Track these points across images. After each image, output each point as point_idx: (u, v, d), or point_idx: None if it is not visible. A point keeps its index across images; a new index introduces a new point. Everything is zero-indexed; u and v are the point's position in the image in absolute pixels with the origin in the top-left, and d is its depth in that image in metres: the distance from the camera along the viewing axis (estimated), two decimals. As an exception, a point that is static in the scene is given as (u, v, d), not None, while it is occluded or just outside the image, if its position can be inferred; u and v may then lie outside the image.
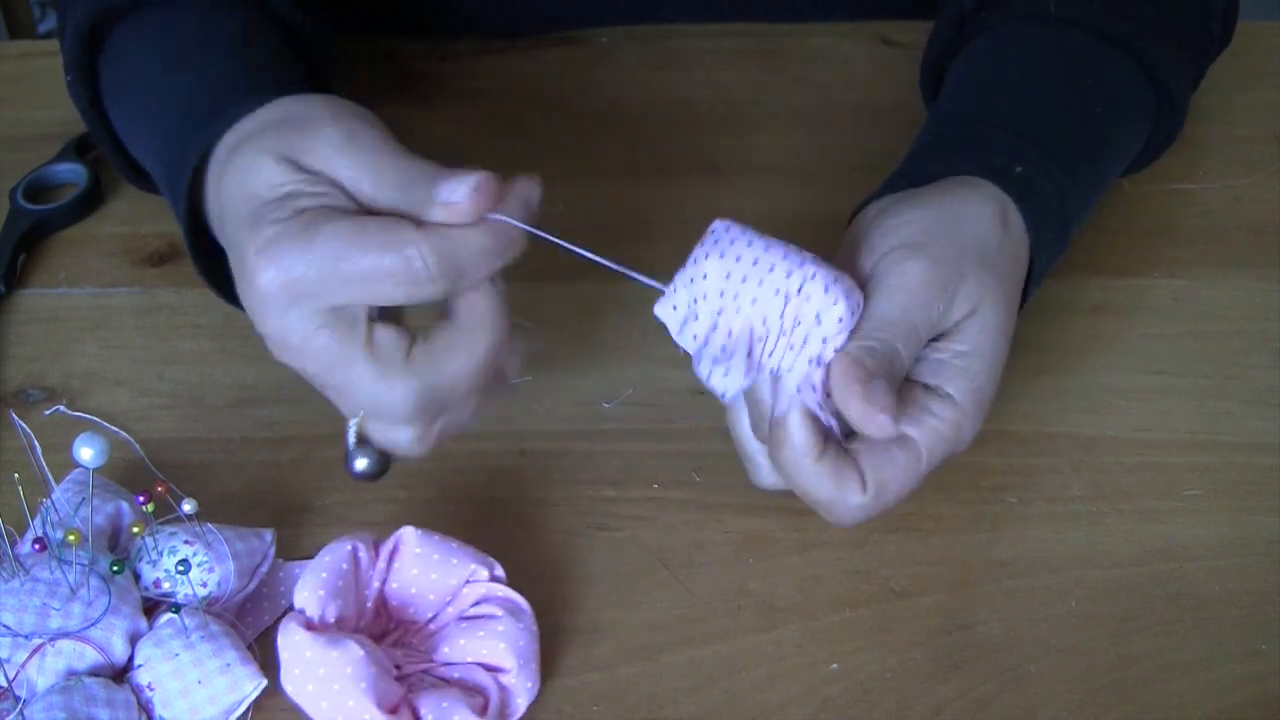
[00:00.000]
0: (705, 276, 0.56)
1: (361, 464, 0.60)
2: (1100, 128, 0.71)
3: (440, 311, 0.58)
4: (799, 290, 0.55)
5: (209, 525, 0.60)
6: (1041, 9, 0.73)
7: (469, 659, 0.57)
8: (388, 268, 0.55)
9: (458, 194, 0.56)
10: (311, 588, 0.57)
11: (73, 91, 0.73)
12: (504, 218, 0.56)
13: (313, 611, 0.57)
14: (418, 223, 0.56)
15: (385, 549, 0.60)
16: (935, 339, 0.59)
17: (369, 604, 0.59)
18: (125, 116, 0.72)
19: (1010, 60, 0.73)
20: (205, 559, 0.59)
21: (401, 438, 0.59)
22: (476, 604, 0.59)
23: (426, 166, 0.57)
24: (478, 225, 0.56)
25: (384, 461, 0.60)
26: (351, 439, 0.59)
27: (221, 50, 0.68)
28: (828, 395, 0.56)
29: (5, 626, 0.56)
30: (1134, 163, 0.77)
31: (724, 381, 0.56)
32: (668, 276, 0.57)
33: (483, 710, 0.56)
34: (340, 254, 0.55)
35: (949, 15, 0.77)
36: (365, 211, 0.57)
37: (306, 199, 0.57)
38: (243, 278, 0.57)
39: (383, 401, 0.57)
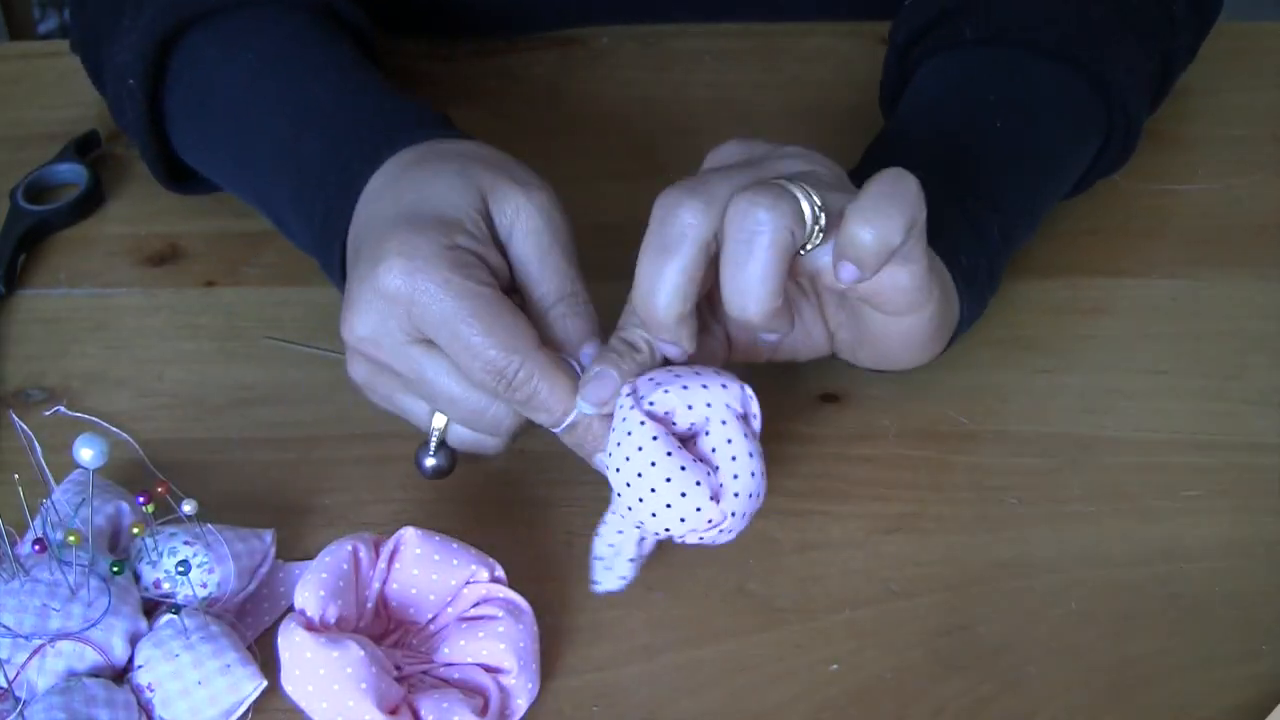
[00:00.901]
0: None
1: (431, 462, 0.63)
2: (1022, 144, 0.71)
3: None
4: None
5: (209, 526, 0.60)
6: (961, 35, 0.73)
7: (469, 660, 0.57)
8: (484, 363, 0.58)
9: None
10: (312, 588, 0.57)
11: (129, 96, 0.73)
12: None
13: (313, 612, 0.56)
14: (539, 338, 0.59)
15: (385, 549, 0.59)
16: None
17: (369, 604, 0.59)
18: (207, 122, 0.73)
19: (929, 90, 0.74)
20: (205, 560, 0.59)
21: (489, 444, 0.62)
22: (477, 604, 0.59)
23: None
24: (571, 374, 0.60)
25: (454, 460, 0.64)
26: (434, 442, 0.63)
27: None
28: None
29: (5, 627, 0.56)
30: (1089, 173, 0.75)
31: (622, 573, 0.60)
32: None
33: (483, 711, 0.56)
34: (462, 310, 0.58)
35: (889, 55, 0.78)
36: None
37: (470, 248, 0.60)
38: (378, 258, 0.59)
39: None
